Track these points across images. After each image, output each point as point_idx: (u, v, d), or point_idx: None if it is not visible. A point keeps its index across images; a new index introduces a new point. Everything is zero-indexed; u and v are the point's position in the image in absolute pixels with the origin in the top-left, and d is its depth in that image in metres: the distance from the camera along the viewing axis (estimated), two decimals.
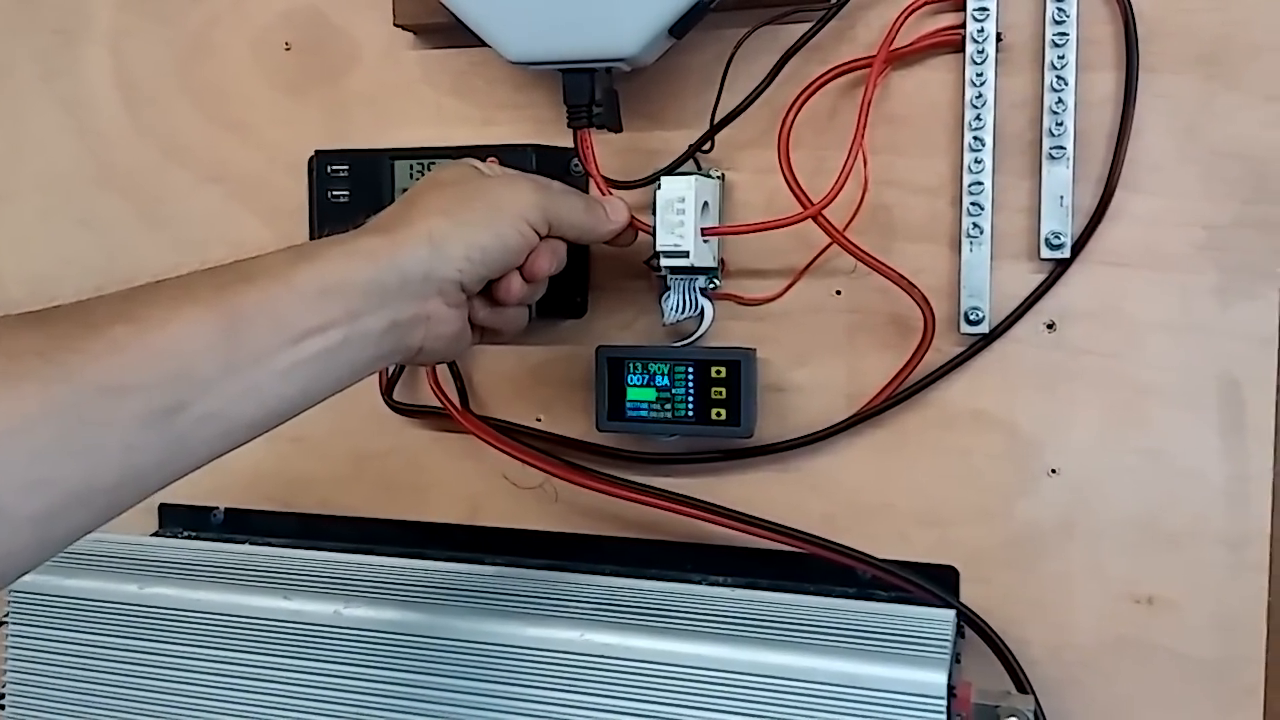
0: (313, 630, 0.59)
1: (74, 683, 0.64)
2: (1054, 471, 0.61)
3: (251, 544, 0.72)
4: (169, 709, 0.62)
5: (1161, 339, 0.59)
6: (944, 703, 0.50)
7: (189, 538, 0.75)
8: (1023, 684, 0.58)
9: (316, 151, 0.70)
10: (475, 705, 0.57)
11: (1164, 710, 0.59)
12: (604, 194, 0.62)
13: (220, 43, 0.75)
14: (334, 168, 0.70)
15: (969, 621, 0.60)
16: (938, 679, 0.50)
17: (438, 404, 0.69)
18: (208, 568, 0.66)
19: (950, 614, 0.56)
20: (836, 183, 0.58)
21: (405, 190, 0.67)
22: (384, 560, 0.66)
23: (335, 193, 0.70)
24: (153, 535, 0.76)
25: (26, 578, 0.64)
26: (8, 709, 0.66)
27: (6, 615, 0.67)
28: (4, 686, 0.67)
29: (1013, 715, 0.51)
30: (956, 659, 0.55)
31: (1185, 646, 0.59)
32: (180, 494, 0.76)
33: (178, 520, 0.77)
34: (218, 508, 0.76)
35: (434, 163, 0.67)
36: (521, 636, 0.56)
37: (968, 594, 0.62)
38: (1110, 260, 0.59)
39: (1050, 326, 0.60)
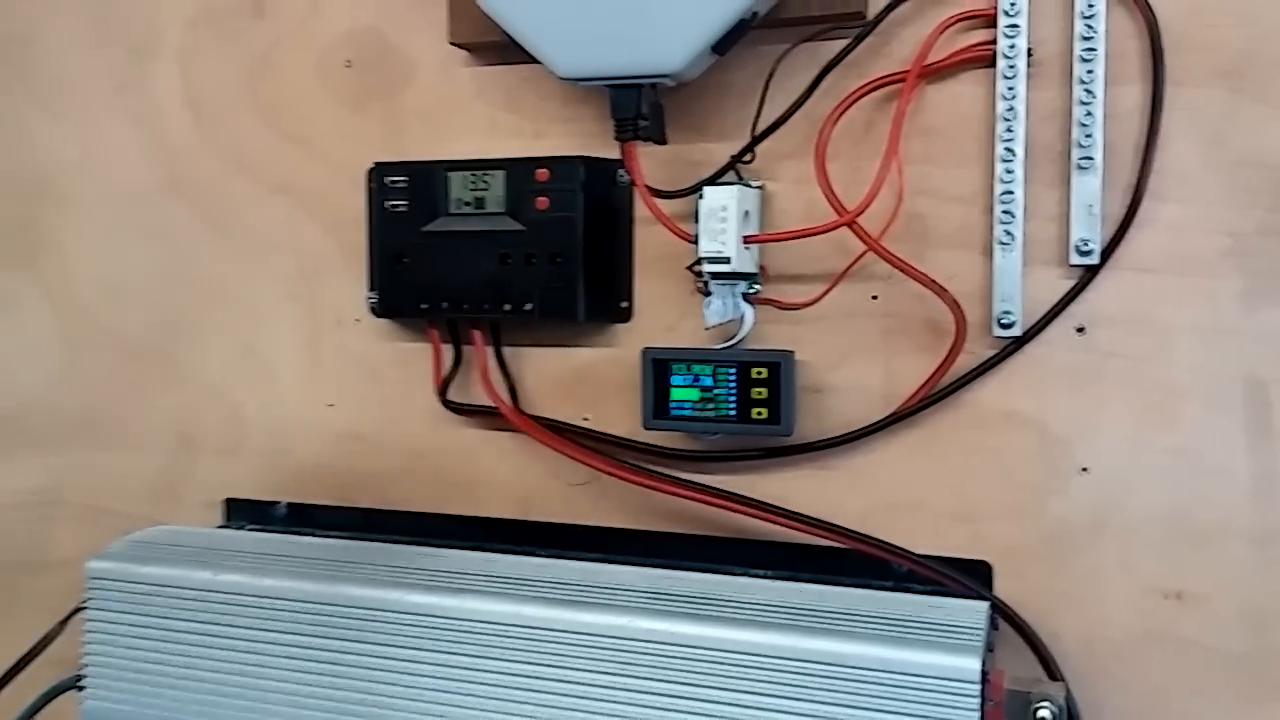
0: (375, 615, 0.63)
1: (148, 663, 0.68)
2: (1084, 470, 0.63)
3: (314, 536, 0.75)
4: (238, 687, 0.66)
5: (1189, 342, 0.61)
6: (978, 687, 0.52)
7: (254, 530, 0.79)
8: (1054, 672, 0.61)
9: (376, 163, 0.74)
10: (529, 687, 0.60)
11: (1194, 702, 0.61)
12: (648, 203, 0.65)
13: (285, 61, 0.79)
14: (392, 179, 0.73)
15: (1002, 613, 0.62)
16: (972, 665, 0.52)
17: (490, 403, 0.73)
18: (275, 556, 0.69)
19: (984, 605, 0.59)
20: (870, 191, 0.61)
21: (459, 199, 0.71)
22: (440, 551, 0.69)
23: (393, 203, 0.74)
24: (219, 528, 0.80)
25: (103, 564, 0.69)
26: (86, 689, 0.70)
27: (85, 601, 0.71)
28: (83, 668, 0.70)
29: (1044, 700, 0.53)
30: (990, 648, 0.57)
31: (1214, 640, 0.61)
32: (245, 489, 0.81)
33: (243, 514, 0.81)
34: (280, 502, 0.80)
35: (488, 174, 0.71)
36: (570, 622, 0.59)
37: (1001, 588, 0.64)
38: (1138, 266, 0.61)
39: (1080, 330, 0.63)
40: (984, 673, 0.53)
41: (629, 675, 0.58)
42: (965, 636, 0.55)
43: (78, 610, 0.74)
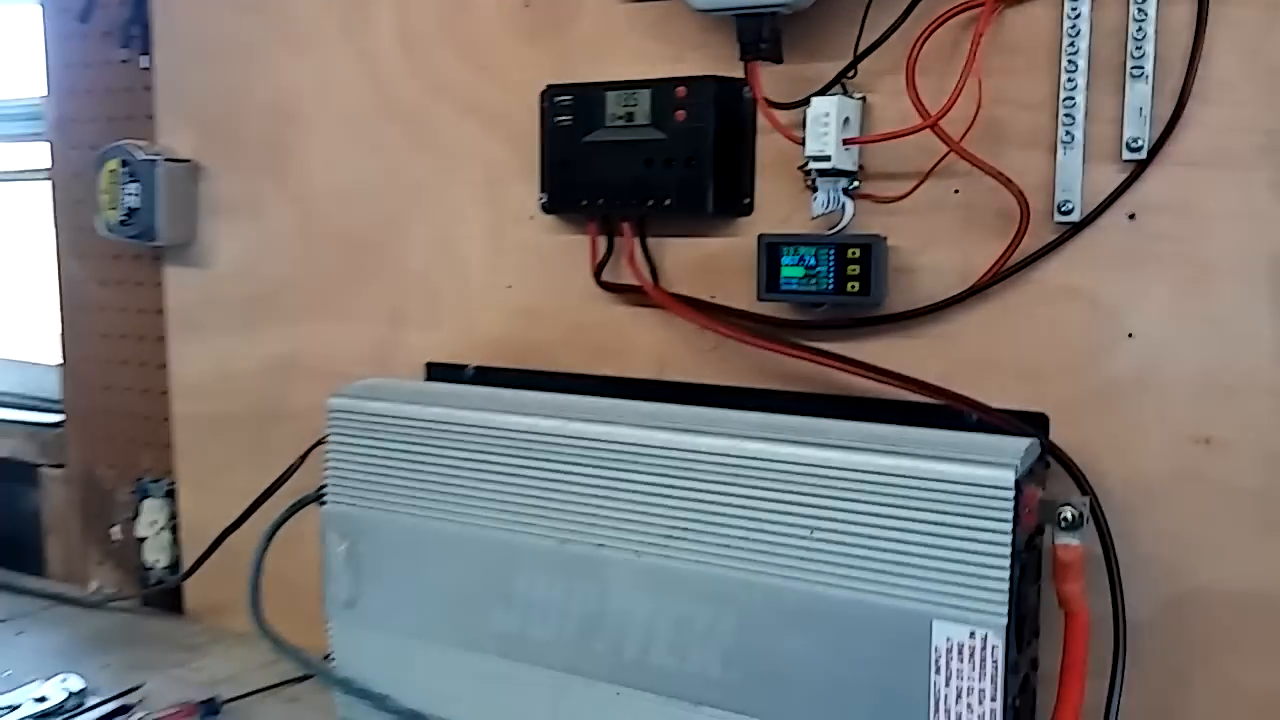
0: (544, 439, 0.81)
1: (372, 475, 0.89)
2: (1131, 335, 0.74)
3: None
4: (439, 492, 0.85)
5: (1224, 226, 0.71)
6: (1011, 493, 0.65)
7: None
8: (1084, 488, 0.73)
9: (548, 86, 0.91)
10: (660, 493, 0.76)
11: (1218, 530, 0.72)
12: (766, 114, 0.79)
13: (475, 3, 0.97)
14: (560, 99, 0.90)
15: (1051, 452, 0.74)
16: (1007, 476, 0.66)
17: (636, 283, 0.89)
18: (469, 397, 0.88)
19: (1028, 440, 0.71)
20: (949, 99, 0.73)
21: (614, 114, 0.87)
22: (596, 399, 0.87)
23: (560, 118, 0.90)
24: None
25: (340, 400, 0.90)
26: (327, 500, 0.91)
27: (327, 429, 0.91)
28: (324, 482, 0.92)
29: (1067, 504, 0.66)
30: (1031, 472, 0.69)
31: (1236, 479, 0.71)
32: (441, 354, 1.01)
33: (440, 375, 1.01)
34: (468, 365, 0.99)
35: (636, 93, 0.86)
36: (694, 444, 0.75)
37: (1057, 435, 0.76)
38: (1183, 161, 0.72)
39: (1131, 216, 0.73)
40: (1019, 484, 0.66)
41: (738, 485, 0.74)
42: (1006, 458, 0.68)
43: (314, 446, 0.95)
